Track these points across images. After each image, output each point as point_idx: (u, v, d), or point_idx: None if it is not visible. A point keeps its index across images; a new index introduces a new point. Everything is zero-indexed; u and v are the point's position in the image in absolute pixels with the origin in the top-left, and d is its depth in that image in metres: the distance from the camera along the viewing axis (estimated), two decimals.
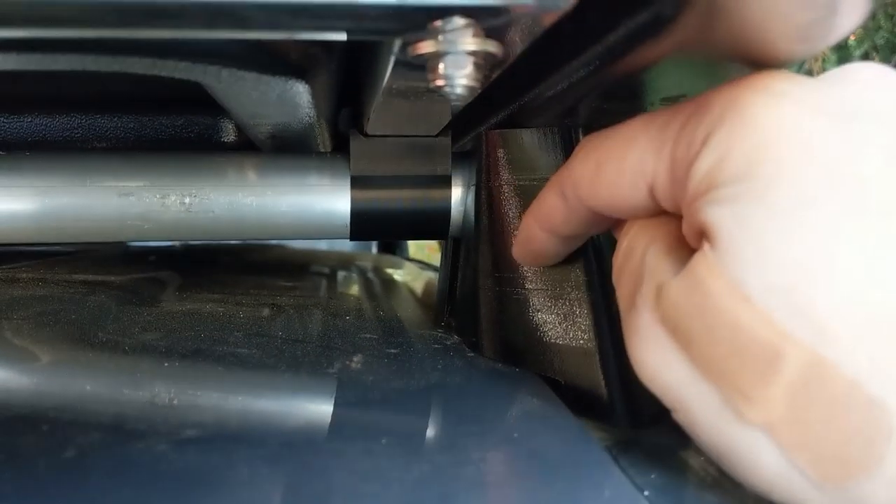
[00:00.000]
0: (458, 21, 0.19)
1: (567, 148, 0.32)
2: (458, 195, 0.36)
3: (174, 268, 0.51)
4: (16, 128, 0.43)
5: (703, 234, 0.20)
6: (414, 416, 0.24)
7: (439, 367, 0.28)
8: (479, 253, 0.33)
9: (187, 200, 0.34)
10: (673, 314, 0.19)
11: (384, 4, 0.17)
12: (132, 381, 0.24)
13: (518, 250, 0.30)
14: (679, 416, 0.20)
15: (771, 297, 0.18)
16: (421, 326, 0.38)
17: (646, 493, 0.21)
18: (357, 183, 0.35)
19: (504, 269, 0.32)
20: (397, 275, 0.83)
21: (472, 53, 0.19)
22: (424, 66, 0.21)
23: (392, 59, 0.21)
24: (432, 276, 0.84)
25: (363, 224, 0.35)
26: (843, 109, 0.19)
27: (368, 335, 0.34)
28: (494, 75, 0.23)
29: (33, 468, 0.17)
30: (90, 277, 0.40)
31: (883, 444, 0.17)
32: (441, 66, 0.20)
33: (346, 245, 1.39)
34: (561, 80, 0.26)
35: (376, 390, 0.25)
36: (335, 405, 0.24)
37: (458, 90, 0.20)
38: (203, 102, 0.43)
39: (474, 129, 0.36)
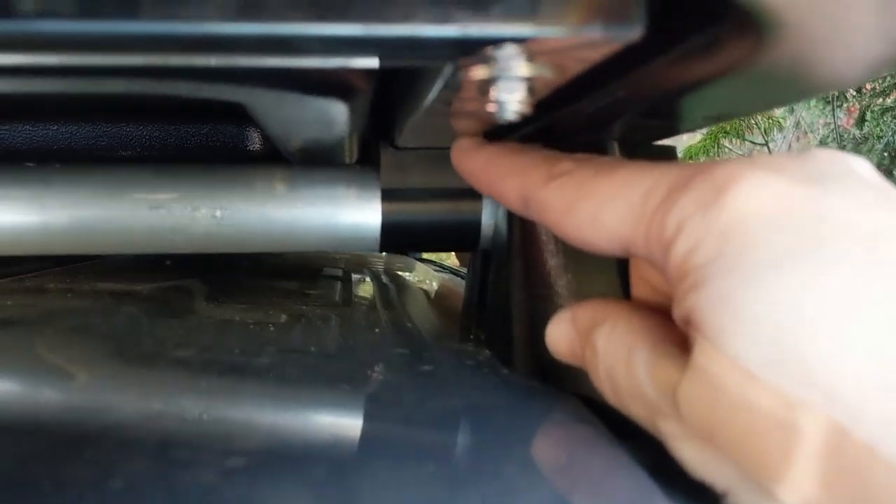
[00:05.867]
0: (513, 48, 0.18)
1: None
2: (489, 207, 0.36)
3: (195, 274, 0.51)
4: (42, 136, 0.43)
5: (690, 324, 0.19)
6: (457, 441, 0.23)
7: (476, 386, 0.28)
8: (511, 267, 0.33)
9: (218, 213, 0.33)
10: (693, 416, 0.19)
11: (445, 36, 0.17)
12: (171, 402, 0.24)
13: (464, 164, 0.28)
14: (731, 502, 0.20)
15: (771, 368, 0.17)
16: (449, 340, 0.38)
17: None
18: (388, 195, 0.35)
19: (538, 285, 0.32)
20: (411, 277, 0.82)
21: (526, 79, 0.19)
22: (471, 86, 0.21)
23: (440, 83, 0.21)
24: (446, 278, 0.84)
25: (393, 236, 0.35)
26: (806, 174, 0.19)
27: (400, 350, 0.33)
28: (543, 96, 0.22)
29: (82, 499, 0.17)
30: (117, 287, 0.39)
31: None
32: (493, 91, 0.19)
33: None
34: (601, 99, 0.26)
35: (416, 411, 0.25)
36: (377, 427, 0.24)
37: (509, 115, 0.20)
38: (229, 112, 0.43)
39: (505, 140, 0.35)
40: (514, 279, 0.33)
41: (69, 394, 0.24)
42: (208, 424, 0.22)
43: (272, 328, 0.35)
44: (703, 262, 0.19)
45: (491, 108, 0.20)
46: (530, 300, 0.32)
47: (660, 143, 0.36)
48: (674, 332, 0.21)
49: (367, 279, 0.72)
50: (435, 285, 0.80)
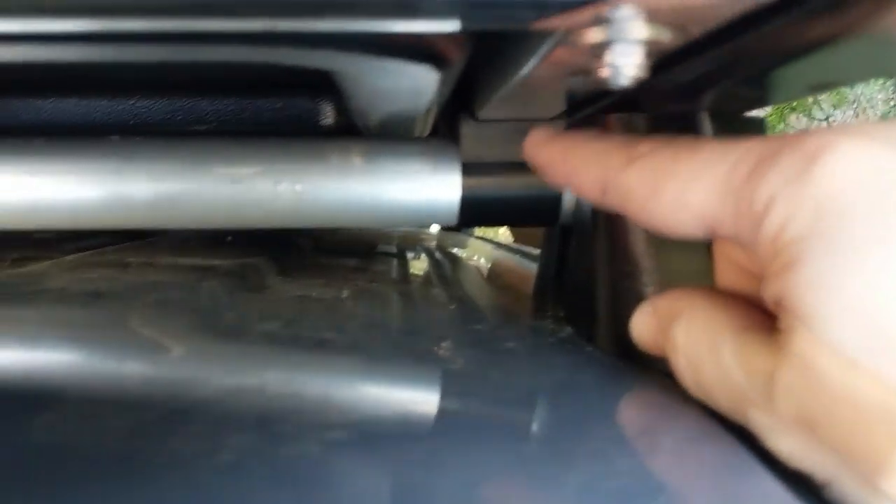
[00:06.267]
0: (629, 9, 0.18)
1: (692, 134, 0.31)
2: None
3: (261, 252, 0.51)
4: (118, 111, 0.43)
5: (783, 307, 0.18)
6: (554, 418, 0.23)
7: (565, 363, 0.28)
8: (595, 243, 0.32)
9: (298, 188, 0.33)
10: (789, 405, 0.18)
11: None
12: (268, 375, 0.24)
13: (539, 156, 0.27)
14: (829, 493, 0.19)
15: (876, 356, 0.16)
16: (525, 316, 0.38)
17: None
18: (468, 169, 0.34)
19: (623, 262, 0.31)
20: (465, 254, 0.82)
21: (644, 42, 0.18)
22: (580, 52, 0.20)
23: (547, 47, 0.20)
24: (500, 255, 0.84)
25: (472, 210, 0.35)
26: None
27: (480, 327, 0.33)
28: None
29: (194, 472, 0.17)
30: (197, 262, 0.40)
31: None
32: (608, 55, 0.19)
33: None
34: (707, 64, 0.24)
35: (508, 388, 0.25)
36: (473, 403, 0.23)
37: (623, 80, 0.19)
38: (303, 86, 0.43)
39: (589, 111, 0.34)
40: (599, 256, 0.32)
41: (168, 366, 0.24)
42: (308, 398, 0.22)
43: (348, 303, 0.35)
44: (796, 238, 0.18)
45: (604, 72, 0.19)
46: (615, 278, 0.31)
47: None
48: (759, 316, 0.21)
49: (426, 256, 0.72)
50: (483, 261, 0.79)
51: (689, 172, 0.21)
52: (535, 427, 0.22)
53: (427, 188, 0.34)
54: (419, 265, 0.65)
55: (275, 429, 0.19)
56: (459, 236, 1.14)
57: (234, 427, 0.19)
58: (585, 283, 0.33)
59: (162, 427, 0.19)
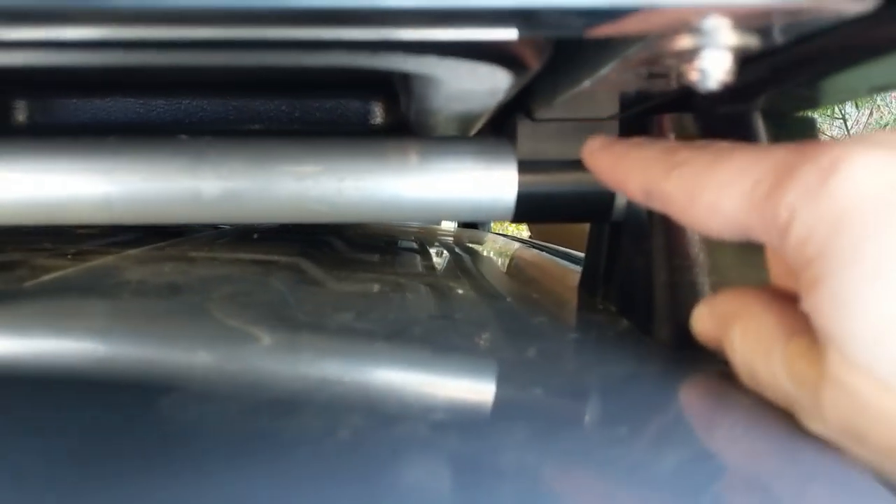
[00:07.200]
0: (721, 19, 0.19)
1: (745, 135, 0.32)
2: None
3: (299, 248, 0.52)
4: (173, 110, 0.44)
5: (813, 324, 0.19)
6: (638, 404, 0.24)
7: (631, 353, 0.29)
8: (651, 239, 0.33)
9: (361, 184, 0.34)
10: (835, 418, 0.19)
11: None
12: (356, 363, 0.25)
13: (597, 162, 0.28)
14: None
15: None
16: (575, 310, 0.39)
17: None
18: (524, 167, 0.35)
19: (680, 257, 0.32)
20: (488, 249, 0.83)
21: (733, 49, 0.19)
22: (665, 55, 0.21)
23: (633, 51, 0.21)
24: (518, 250, 0.85)
25: (527, 207, 0.36)
26: None
27: (539, 320, 0.34)
28: None
29: (321, 448, 0.18)
30: (255, 257, 0.41)
31: None
32: (697, 61, 0.20)
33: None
34: (767, 67, 0.25)
35: (589, 376, 0.26)
36: (557, 390, 0.24)
37: (712, 83, 0.20)
38: (355, 87, 0.44)
39: (639, 110, 0.35)
40: (656, 252, 0.33)
41: (263, 355, 0.25)
42: (404, 384, 0.23)
43: (407, 297, 0.36)
44: (817, 255, 0.18)
45: (694, 76, 0.20)
46: (673, 272, 0.32)
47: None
48: (808, 320, 0.21)
49: (448, 251, 0.73)
50: (503, 256, 0.80)
51: (720, 182, 0.21)
52: (622, 412, 0.23)
53: (484, 185, 0.35)
54: (445, 260, 0.66)
55: (382, 411, 0.21)
56: (476, 232, 1.15)
57: (345, 409, 0.20)
58: (641, 278, 0.34)
59: (277, 409, 0.20)
